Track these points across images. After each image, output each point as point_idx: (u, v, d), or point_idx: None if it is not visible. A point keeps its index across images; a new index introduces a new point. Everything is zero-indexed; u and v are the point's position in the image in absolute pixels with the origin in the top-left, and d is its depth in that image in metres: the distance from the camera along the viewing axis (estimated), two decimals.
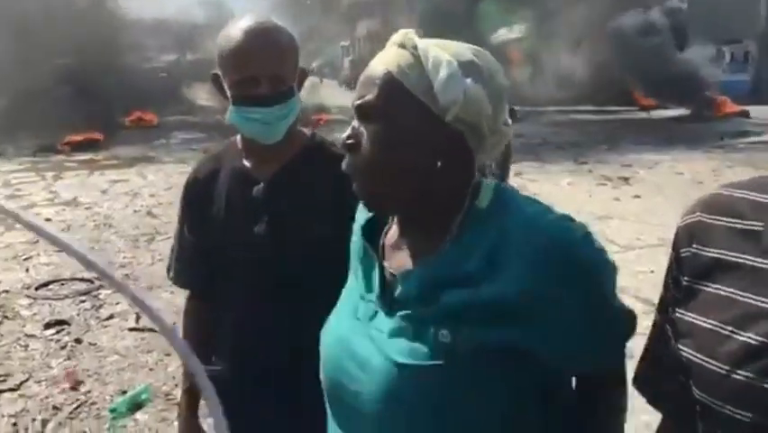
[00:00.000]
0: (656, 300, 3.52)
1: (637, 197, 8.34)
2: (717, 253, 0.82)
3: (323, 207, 1.51)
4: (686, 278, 0.86)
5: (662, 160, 11.11)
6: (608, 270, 0.94)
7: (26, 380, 3.66)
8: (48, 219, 7.30)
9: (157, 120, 16.01)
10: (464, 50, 0.95)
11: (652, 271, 5.24)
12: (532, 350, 0.89)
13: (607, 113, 18.90)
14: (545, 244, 0.88)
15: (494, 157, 0.97)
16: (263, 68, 1.43)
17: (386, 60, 0.94)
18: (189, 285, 1.72)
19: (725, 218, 0.83)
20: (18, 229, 6.92)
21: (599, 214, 7.36)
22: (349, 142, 0.95)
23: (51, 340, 4.14)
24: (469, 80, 0.90)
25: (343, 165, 0.98)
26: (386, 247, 1.04)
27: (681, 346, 0.85)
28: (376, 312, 0.99)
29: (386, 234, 1.06)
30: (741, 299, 0.77)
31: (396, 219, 1.05)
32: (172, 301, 4.54)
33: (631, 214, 7.38)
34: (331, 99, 18.87)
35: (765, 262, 0.77)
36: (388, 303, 0.97)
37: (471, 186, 0.97)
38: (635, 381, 0.98)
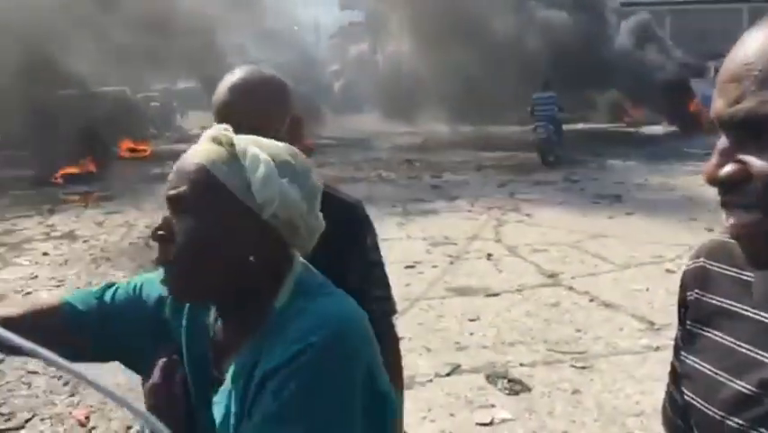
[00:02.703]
0: (652, 318, 3.63)
1: (630, 214, 8.43)
2: (718, 301, 0.85)
3: (338, 255, 1.55)
4: (689, 322, 0.89)
5: (651, 176, 11.23)
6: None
7: (31, 418, 3.67)
8: (45, 254, 7.32)
9: (150, 150, 16.06)
10: (279, 149, 0.98)
11: (647, 289, 5.31)
12: None
13: (593, 128, 19.08)
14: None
15: (308, 249, 1.00)
16: (238, 122, 1.52)
17: (201, 154, 0.95)
18: None
19: (725, 266, 0.86)
20: (20, 265, 6.94)
21: (593, 232, 7.44)
22: (160, 233, 0.95)
23: (54, 377, 4.15)
24: (285, 180, 0.94)
25: (155, 257, 0.97)
26: (215, 342, 1.03)
27: (683, 389, 0.88)
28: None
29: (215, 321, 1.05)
30: (737, 348, 0.80)
31: (215, 315, 1.04)
32: None
33: (625, 232, 7.45)
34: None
35: (756, 313, 0.80)
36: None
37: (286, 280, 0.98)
38: (663, 418, 1.00)
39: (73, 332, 1.07)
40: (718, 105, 0.70)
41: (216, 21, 16.51)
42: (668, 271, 5.76)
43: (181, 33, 15.22)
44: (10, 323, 1.01)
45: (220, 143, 0.96)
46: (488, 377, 3.93)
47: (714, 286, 0.87)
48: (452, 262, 6.50)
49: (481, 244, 7.20)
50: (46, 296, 0.97)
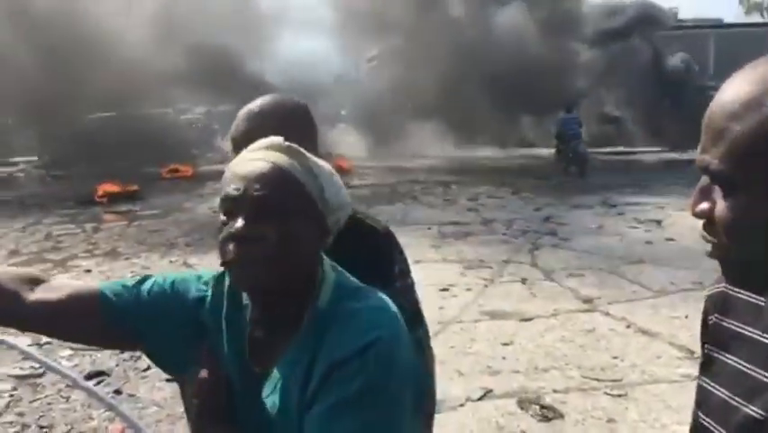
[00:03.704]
0: (690, 347, 3.57)
1: (670, 240, 8.27)
2: (734, 325, 0.86)
3: (364, 281, 1.57)
4: (707, 346, 0.91)
5: None
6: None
7: (68, 432, 3.76)
8: (88, 270, 7.51)
9: (192, 171, 16.38)
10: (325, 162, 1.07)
11: (686, 317, 5.18)
12: None
13: (631, 153, 18.81)
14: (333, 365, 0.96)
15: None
16: (240, 149, 1.56)
17: (273, 159, 1.00)
18: None
19: (743, 291, 0.87)
20: None
21: (631, 258, 7.32)
22: (241, 234, 0.97)
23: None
24: (344, 189, 1.06)
25: (228, 256, 1.00)
26: (252, 340, 1.08)
27: (699, 413, 0.89)
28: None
29: (250, 322, 1.09)
30: (749, 372, 0.81)
31: (254, 314, 1.08)
32: None
33: (664, 257, 7.31)
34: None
35: (765, 337, 0.81)
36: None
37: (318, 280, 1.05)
38: None
39: (110, 319, 1.11)
40: (698, 150, 0.75)
41: (253, 45, 16.87)
42: None
43: (222, 58, 15.59)
44: (47, 307, 1.10)
45: (286, 152, 1.02)
46: (520, 403, 3.88)
47: (732, 311, 0.88)
48: (486, 286, 6.46)
49: (516, 267, 7.14)
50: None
